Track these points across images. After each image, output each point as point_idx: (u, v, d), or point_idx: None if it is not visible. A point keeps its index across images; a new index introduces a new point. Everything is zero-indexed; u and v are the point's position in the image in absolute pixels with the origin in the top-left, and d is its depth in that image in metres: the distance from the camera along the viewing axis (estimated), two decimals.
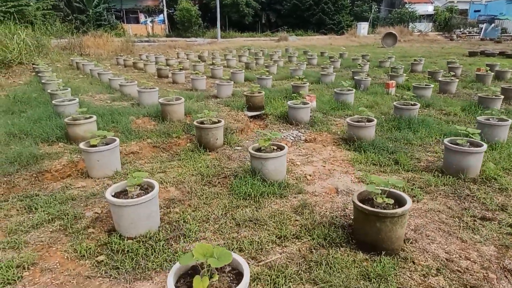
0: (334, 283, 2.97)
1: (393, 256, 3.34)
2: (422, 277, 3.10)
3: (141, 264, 3.36)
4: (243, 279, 2.38)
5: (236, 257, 2.60)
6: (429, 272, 3.15)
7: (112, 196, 3.87)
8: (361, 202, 3.42)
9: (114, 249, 3.57)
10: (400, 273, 3.13)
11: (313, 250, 3.48)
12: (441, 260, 3.30)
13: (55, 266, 3.38)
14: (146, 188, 4.09)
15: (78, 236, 3.82)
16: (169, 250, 3.57)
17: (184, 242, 3.70)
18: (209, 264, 2.39)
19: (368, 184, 4.00)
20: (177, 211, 4.35)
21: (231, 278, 2.53)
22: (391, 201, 3.40)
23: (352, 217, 3.91)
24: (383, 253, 3.31)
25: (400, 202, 3.48)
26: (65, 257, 3.50)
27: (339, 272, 3.13)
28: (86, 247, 3.60)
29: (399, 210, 3.21)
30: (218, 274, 2.47)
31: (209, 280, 2.37)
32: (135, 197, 3.84)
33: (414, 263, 3.26)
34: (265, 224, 3.97)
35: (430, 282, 3.04)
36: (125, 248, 3.57)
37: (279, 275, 3.11)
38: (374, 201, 3.45)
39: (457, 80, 11.23)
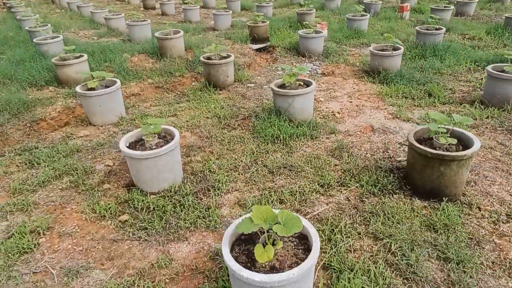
0: (397, 237, 2.64)
1: (455, 202, 2.99)
2: (492, 225, 2.78)
3: (172, 223, 2.97)
4: (313, 246, 1.99)
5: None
6: (498, 218, 2.83)
7: (127, 147, 3.36)
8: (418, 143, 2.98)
9: (137, 207, 3.15)
10: (467, 221, 2.80)
11: (363, 198, 3.11)
12: (509, 204, 2.97)
13: (74, 230, 2.97)
14: (164, 136, 3.57)
15: (93, 193, 3.37)
16: (200, 205, 3.16)
17: (215, 195, 3.29)
18: (270, 229, 1.98)
19: (428, 122, 3.55)
20: (199, 160, 3.89)
21: (295, 243, 2.14)
22: (454, 141, 2.96)
23: (405, 160, 3.51)
24: (445, 199, 2.95)
25: (462, 142, 3.05)
26: (84, 219, 3.08)
27: (399, 223, 2.79)
28: (106, 206, 3.17)
29: (468, 152, 2.78)
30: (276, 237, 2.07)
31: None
32: (154, 148, 3.33)
33: (479, 209, 2.93)
34: (302, 170, 3.56)
35: (502, 230, 2.72)
36: (150, 205, 3.15)
37: (333, 230, 2.75)
38: (435, 142, 3.01)
39: (476, 0, 10.33)
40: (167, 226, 2.95)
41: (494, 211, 2.89)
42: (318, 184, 3.32)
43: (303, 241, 2.15)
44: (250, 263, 1.99)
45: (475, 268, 2.36)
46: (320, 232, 2.74)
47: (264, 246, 1.96)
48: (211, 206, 3.12)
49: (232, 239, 2.14)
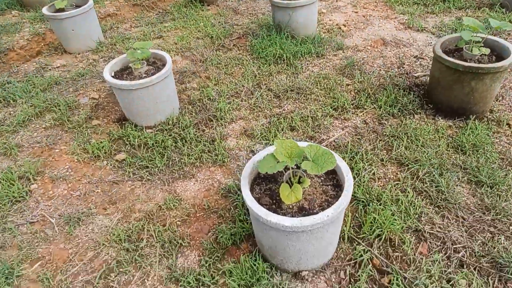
0: (424, 161, 2.43)
1: (483, 119, 2.75)
2: None
3: (175, 160, 2.70)
4: (346, 182, 1.74)
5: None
6: None
7: (113, 77, 2.93)
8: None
9: (134, 144, 2.85)
10: (496, 140, 2.59)
11: (382, 121, 2.84)
12: None
13: (68, 173, 2.69)
14: (153, 62, 3.13)
15: (82, 131, 3.03)
16: (203, 137, 2.87)
17: (218, 125, 2.98)
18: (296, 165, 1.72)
19: (461, 29, 3.15)
20: (195, 87, 3.49)
21: (322, 178, 1.90)
22: (488, 51, 2.61)
23: (424, 75, 3.18)
24: (472, 117, 2.71)
25: (494, 52, 2.70)
26: (76, 160, 2.78)
27: (424, 146, 2.56)
28: (98, 144, 2.85)
29: (506, 63, 2.45)
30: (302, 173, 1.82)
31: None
32: (145, 76, 2.92)
33: (510, 125, 2.70)
34: (311, 93, 3.22)
35: None
36: (147, 141, 2.85)
37: (353, 157, 2.52)
38: (465, 53, 2.65)
39: None
40: (170, 163, 2.68)
41: None
42: (331, 107, 3.01)
43: (331, 175, 1.91)
44: (275, 205, 1.76)
45: (510, 191, 2.20)
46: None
47: (290, 185, 1.71)
48: (216, 138, 2.83)
49: (250, 178, 1.88)
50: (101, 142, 2.88)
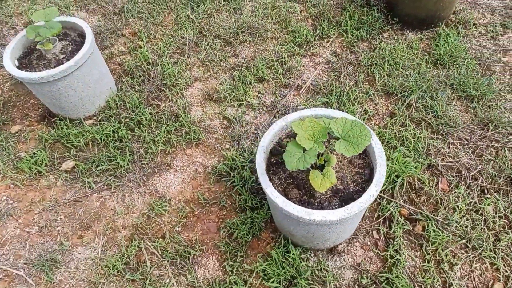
0: (411, 87, 2.30)
1: (449, 25, 2.64)
2: (492, 41, 2.55)
3: (140, 151, 2.25)
4: (376, 153, 1.54)
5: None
6: (494, 30, 2.59)
7: (19, 68, 2.21)
8: None
9: (79, 145, 2.30)
10: (468, 44, 2.53)
11: (354, 49, 2.60)
12: (500, 12, 2.71)
13: (10, 206, 2.12)
14: (64, 34, 2.40)
15: (2, 145, 2.35)
16: (163, 115, 2.40)
17: (173, 95, 2.50)
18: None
19: None
20: (124, 50, 2.84)
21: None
22: None
23: None
24: (441, 24, 2.58)
25: None
26: (13, 186, 2.19)
27: (404, 69, 2.42)
28: (32, 157, 2.25)
29: None
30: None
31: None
32: (63, 58, 2.24)
33: (475, 25, 2.64)
34: (265, 30, 2.80)
35: (503, 44, 2.52)
36: (95, 136, 2.31)
37: (339, 98, 2.31)
38: None
39: None
40: (135, 157, 2.23)
41: (489, 24, 2.64)
42: (295, 44, 2.67)
43: None
44: (307, 195, 1.52)
45: (498, 99, 2.20)
46: (326, 104, 2.29)
47: (318, 168, 1.46)
48: (178, 112, 2.38)
49: (263, 165, 1.58)
50: (34, 154, 2.28)
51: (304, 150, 1.41)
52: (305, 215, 1.38)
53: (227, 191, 2.05)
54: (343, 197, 1.50)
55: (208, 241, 1.89)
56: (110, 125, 2.35)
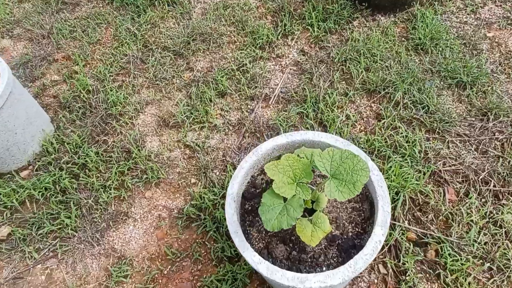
0: (395, 81, 2.00)
1: (423, 3, 2.35)
2: (473, 15, 2.28)
3: (88, 202, 1.86)
4: (378, 194, 1.22)
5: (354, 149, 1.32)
6: (474, 3, 2.33)
7: None
8: None
9: (13, 205, 1.88)
10: (448, 23, 2.25)
11: (322, 43, 2.27)
12: None
13: None
14: None
15: None
16: (112, 153, 2.01)
17: (122, 127, 2.11)
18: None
19: None
20: (57, 79, 2.42)
21: None
22: None
23: None
24: (415, 4, 2.29)
25: None
26: None
27: (383, 60, 2.12)
28: None
29: None
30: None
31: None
32: None
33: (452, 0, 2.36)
34: (220, 34, 2.43)
35: (486, 17, 2.26)
36: (31, 191, 1.89)
37: (315, 105, 1.98)
38: None
39: None
40: (85, 210, 1.84)
41: None
42: (255, 47, 2.31)
43: None
44: (296, 250, 1.19)
45: (492, 83, 1.93)
46: (301, 114, 1.96)
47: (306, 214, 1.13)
48: (130, 147, 2.00)
49: (235, 218, 1.23)
50: None
51: (285, 199, 1.07)
52: (298, 283, 1.05)
53: (199, 238, 1.70)
54: (341, 245, 1.18)
55: None
56: (49, 174, 1.94)
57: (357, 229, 1.20)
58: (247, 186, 1.33)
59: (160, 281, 1.61)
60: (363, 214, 1.23)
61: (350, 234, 1.19)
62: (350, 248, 1.16)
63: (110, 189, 1.87)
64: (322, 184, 1.11)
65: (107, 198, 1.85)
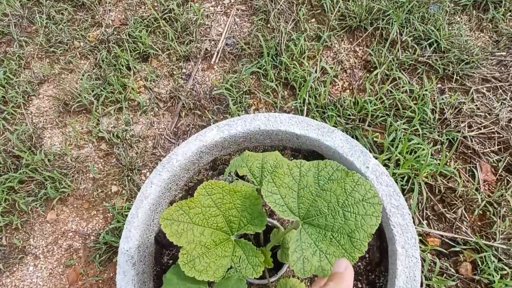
0: (384, 8, 1.39)
1: None
2: None
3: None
4: (395, 242, 0.67)
5: None
6: None
7: None
8: None
9: None
10: None
11: None
12: None
13: None
14: None
15: None
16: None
17: (5, 120, 1.47)
18: None
19: None
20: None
21: None
22: None
23: None
24: None
25: None
26: None
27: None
28: None
29: None
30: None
31: None
32: None
33: None
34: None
35: None
36: None
37: (275, 42, 1.37)
38: None
39: None
40: None
41: None
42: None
43: None
44: None
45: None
46: (258, 73, 1.36)
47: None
48: (20, 149, 1.38)
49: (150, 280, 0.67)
50: None
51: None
52: None
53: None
54: None
55: None
56: None
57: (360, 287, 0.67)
58: (160, 226, 0.76)
59: None
60: (367, 257, 0.69)
61: None
62: None
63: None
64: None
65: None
